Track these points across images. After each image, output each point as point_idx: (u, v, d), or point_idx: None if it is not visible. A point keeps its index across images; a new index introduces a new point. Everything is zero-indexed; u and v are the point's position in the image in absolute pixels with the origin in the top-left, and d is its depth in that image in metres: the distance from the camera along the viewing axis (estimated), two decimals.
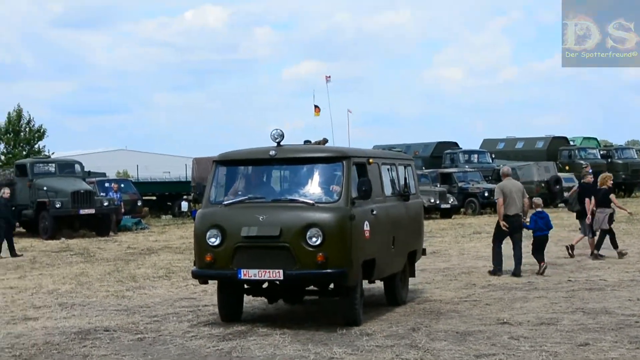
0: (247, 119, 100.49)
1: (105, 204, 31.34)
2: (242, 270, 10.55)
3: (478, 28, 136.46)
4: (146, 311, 14.43)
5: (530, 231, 16.88)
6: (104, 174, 40.87)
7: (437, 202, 34.60)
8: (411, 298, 14.36)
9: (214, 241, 10.74)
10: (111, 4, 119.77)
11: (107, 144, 70.35)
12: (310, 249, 10.47)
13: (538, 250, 17.00)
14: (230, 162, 11.95)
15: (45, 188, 29.97)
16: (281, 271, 10.40)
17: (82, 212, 29.57)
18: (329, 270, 10.56)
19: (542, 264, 16.72)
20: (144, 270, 20.31)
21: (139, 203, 35.87)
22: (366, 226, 11.33)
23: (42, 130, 50.72)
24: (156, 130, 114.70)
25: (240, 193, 11.61)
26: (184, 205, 39.24)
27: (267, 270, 10.44)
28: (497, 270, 16.59)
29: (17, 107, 50.28)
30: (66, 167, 32.74)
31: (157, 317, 13.67)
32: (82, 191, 30.07)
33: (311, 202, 10.98)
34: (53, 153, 47.08)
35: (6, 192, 25.61)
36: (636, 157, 47.25)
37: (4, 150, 49.65)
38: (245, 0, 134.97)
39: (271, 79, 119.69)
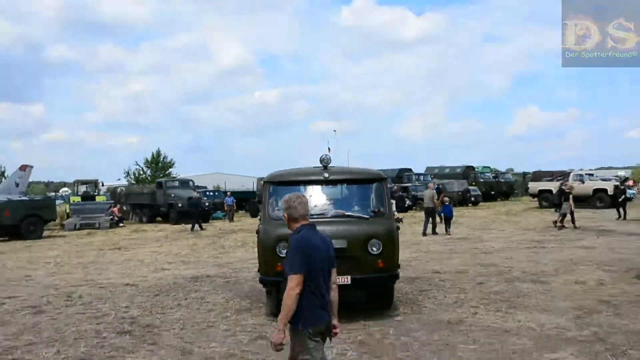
0: (287, 154, 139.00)
1: (207, 204, 37.78)
2: None
3: (425, 99, 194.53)
4: (230, 265, 16.61)
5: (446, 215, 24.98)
6: (205, 187, 49.36)
7: (400, 203, 40.70)
8: None
9: (285, 253, 8.60)
10: (211, 88, 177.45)
11: (208, 169, 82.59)
12: (371, 257, 9.51)
13: (446, 224, 24.61)
14: (285, 182, 10.20)
15: (172, 195, 37.36)
16: (349, 277, 9.30)
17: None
18: (387, 274, 9.66)
19: (448, 232, 23.91)
20: (229, 242, 23.35)
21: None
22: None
23: (171, 162, 62.53)
24: (236, 161, 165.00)
25: None
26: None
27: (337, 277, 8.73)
28: (424, 234, 23.42)
29: (157, 149, 62.98)
30: (184, 183, 40.55)
31: (236, 269, 15.78)
32: (193, 197, 36.03)
33: (366, 216, 9.91)
34: (178, 175, 57.31)
35: (196, 195, 33.70)
36: (511, 178, 59.94)
37: (150, 174, 60.60)
38: (290, 84, 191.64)
39: (304, 131, 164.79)
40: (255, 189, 51.38)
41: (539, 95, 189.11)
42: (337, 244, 8.72)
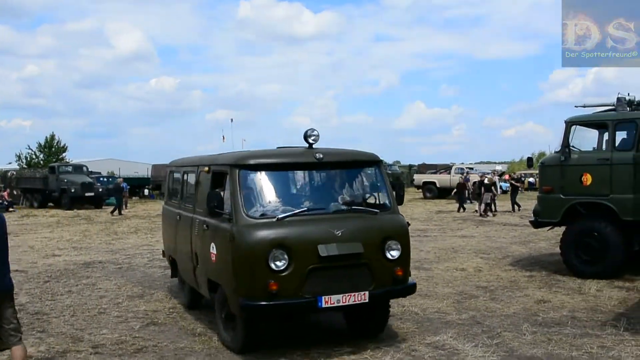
0: (185, 143, 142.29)
1: (100, 190, 36.76)
2: (322, 297, 6.71)
3: (319, 94, 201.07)
4: (123, 252, 16.30)
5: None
6: (99, 173, 47.86)
7: None
8: None
9: (280, 265, 6.68)
10: (108, 74, 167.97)
11: (102, 155, 79.93)
12: (389, 263, 7.16)
13: None
14: (266, 166, 7.32)
15: (65, 180, 36.17)
16: (367, 293, 6.91)
17: (87, 194, 35.66)
18: (405, 285, 7.35)
19: None
20: (122, 228, 22.93)
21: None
22: None
23: (65, 147, 60.28)
24: (131, 147, 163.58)
25: (285, 203, 7.24)
26: (146, 192, 48.58)
27: (352, 294, 6.85)
28: None
29: (51, 133, 60.39)
30: (78, 168, 39.20)
31: (129, 255, 15.52)
32: (87, 182, 35.85)
33: (375, 210, 7.40)
34: (71, 160, 55.27)
35: (120, 180, 33.43)
36: (398, 169, 58.82)
37: (42, 157, 58.49)
38: (186, 73, 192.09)
39: (200, 120, 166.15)
40: (149, 176, 50.99)
41: (426, 92, 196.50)
42: (352, 248, 6.78)
